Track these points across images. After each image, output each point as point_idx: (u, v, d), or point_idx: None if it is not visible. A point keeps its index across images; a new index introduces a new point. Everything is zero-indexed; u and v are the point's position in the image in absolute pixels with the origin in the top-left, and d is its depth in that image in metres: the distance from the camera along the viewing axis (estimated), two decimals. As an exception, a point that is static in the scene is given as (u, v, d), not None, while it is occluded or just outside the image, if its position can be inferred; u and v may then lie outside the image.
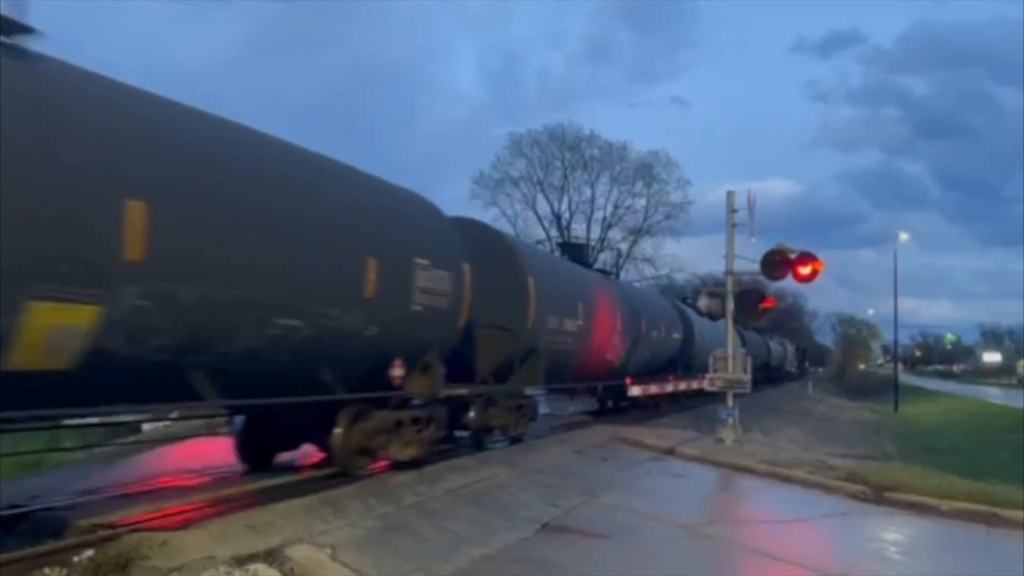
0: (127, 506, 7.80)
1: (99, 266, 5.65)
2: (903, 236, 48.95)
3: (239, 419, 9.75)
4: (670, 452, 13.65)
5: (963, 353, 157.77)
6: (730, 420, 15.13)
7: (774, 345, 48.09)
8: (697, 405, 23.60)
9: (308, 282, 7.81)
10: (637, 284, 37.30)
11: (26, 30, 5.52)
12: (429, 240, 10.11)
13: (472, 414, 11.84)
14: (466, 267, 10.72)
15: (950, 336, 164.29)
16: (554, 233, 51.67)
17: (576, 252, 20.22)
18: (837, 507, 10.24)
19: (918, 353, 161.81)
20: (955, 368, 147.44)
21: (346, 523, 7.03)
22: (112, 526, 6.67)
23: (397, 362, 9.52)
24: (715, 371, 15.86)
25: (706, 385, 16.42)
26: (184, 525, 6.52)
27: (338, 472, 8.94)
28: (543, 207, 52.76)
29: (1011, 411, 40.73)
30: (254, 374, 7.56)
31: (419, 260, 9.61)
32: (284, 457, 10.21)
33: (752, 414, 19.88)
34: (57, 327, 5.43)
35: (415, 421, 9.99)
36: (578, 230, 52.97)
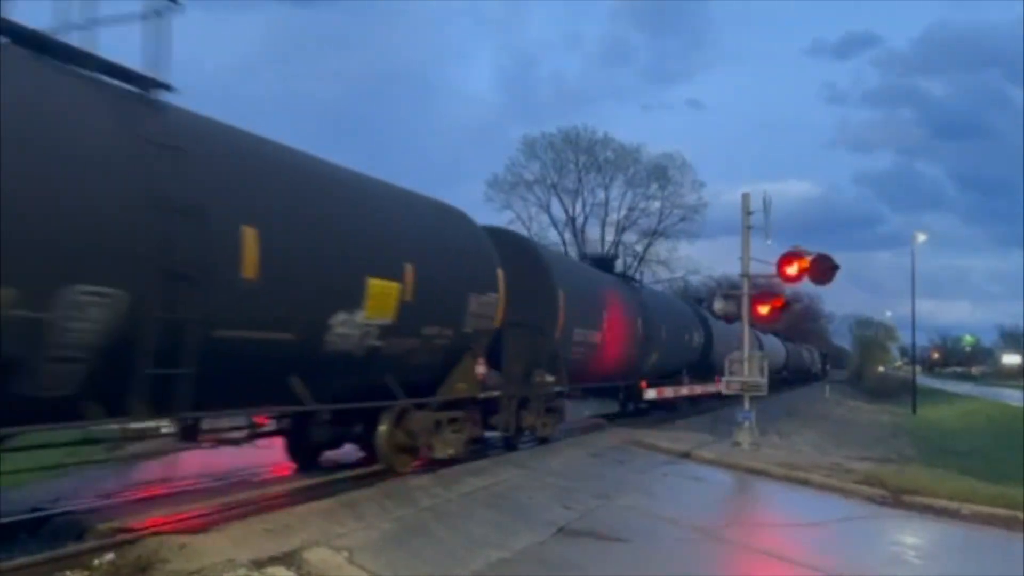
0: (147, 509, 7.88)
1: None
2: (920, 237, 48.31)
3: None
4: (686, 455, 13.62)
5: (982, 355, 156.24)
6: (746, 423, 15.07)
7: (804, 351, 58.98)
8: (715, 408, 23.56)
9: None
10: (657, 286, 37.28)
11: (163, 86, 6.50)
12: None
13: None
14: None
15: (969, 338, 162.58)
16: (568, 236, 51.67)
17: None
18: (855, 511, 10.19)
19: (936, 355, 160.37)
20: (974, 370, 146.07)
21: (363, 526, 7.08)
22: (132, 529, 6.75)
23: None
24: (731, 374, 15.80)
25: (722, 388, 16.37)
26: (204, 528, 6.58)
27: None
28: (557, 210, 52.76)
29: (1031, 413, 40.27)
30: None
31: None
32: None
33: (768, 417, 19.80)
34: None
35: None
36: (592, 233, 53.06)
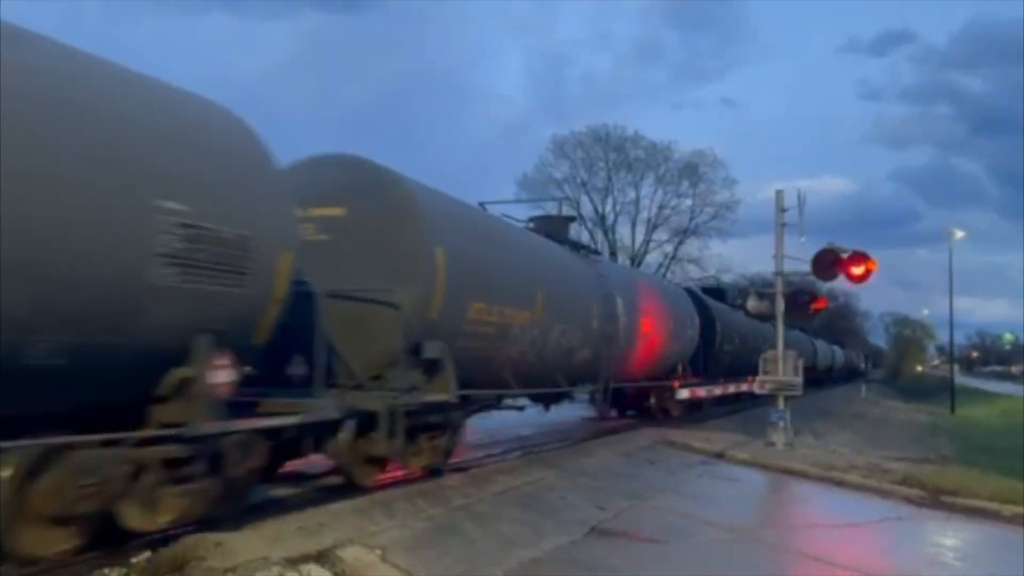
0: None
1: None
2: (958, 234, 47.56)
3: None
4: (719, 456, 13.50)
5: (1022, 353, 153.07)
6: (781, 423, 14.91)
7: (852, 354, 74.11)
8: (747, 407, 23.36)
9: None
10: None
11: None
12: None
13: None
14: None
15: (1008, 336, 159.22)
16: (599, 236, 51.40)
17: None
18: (892, 511, 10.04)
19: (974, 354, 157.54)
20: (1014, 369, 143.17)
21: (396, 524, 7.09)
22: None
23: None
24: (765, 373, 15.62)
25: (755, 388, 16.20)
26: (238, 527, 6.64)
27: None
28: (587, 209, 52.50)
29: (1074, 413, 39.35)
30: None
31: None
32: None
33: (803, 417, 19.56)
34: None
35: None
36: (623, 232, 52.80)
